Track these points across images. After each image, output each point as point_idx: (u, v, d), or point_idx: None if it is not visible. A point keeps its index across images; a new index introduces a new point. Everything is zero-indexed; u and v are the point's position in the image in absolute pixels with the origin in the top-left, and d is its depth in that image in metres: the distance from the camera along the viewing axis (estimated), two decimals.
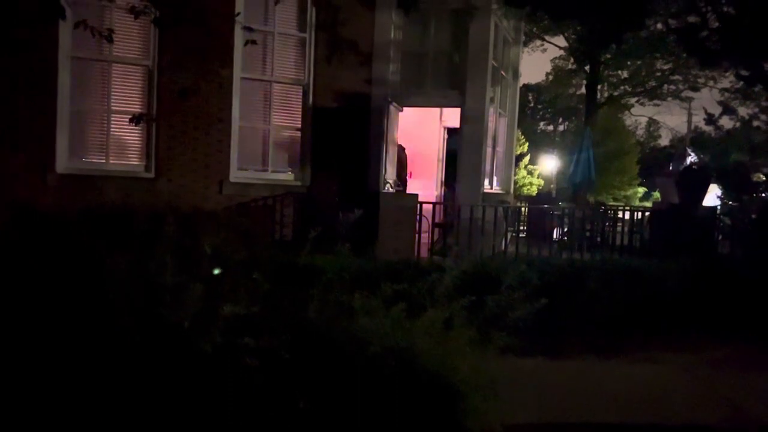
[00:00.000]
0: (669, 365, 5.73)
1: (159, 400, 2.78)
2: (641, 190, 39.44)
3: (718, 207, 10.91)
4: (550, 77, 37.95)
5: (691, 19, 10.66)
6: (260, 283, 3.34)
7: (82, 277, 3.40)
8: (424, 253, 8.11)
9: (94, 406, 2.78)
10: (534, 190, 31.02)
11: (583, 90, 27.87)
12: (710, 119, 16.38)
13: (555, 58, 33.83)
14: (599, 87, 26.36)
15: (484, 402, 3.29)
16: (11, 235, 6.40)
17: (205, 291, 3.03)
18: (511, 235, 9.41)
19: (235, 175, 8.32)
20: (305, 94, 8.73)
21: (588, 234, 9.53)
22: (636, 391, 4.99)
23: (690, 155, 24.79)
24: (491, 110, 9.64)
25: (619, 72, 27.55)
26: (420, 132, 11.75)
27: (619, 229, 9.77)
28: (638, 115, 41.15)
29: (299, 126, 8.76)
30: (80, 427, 2.77)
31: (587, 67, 24.59)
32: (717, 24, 10.00)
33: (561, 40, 25.83)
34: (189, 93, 7.68)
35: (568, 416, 4.40)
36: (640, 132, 45.39)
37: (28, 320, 3.09)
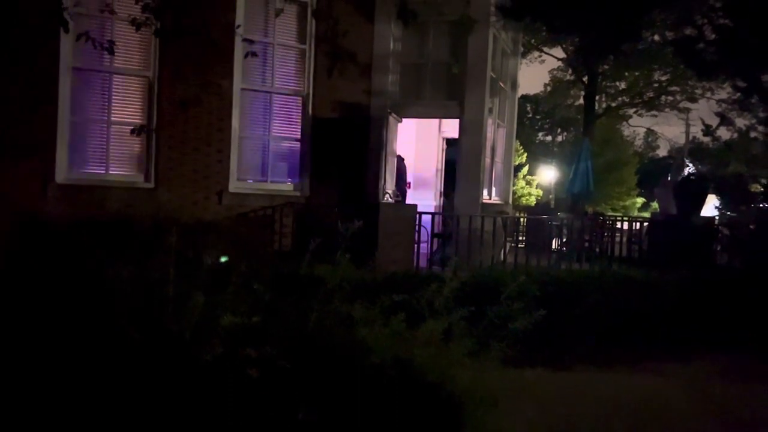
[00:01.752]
0: (669, 376, 5.73)
1: (160, 410, 2.78)
2: (639, 200, 39.57)
3: (716, 217, 10.94)
4: (549, 88, 38.18)
5: (688, 31, 10.73)
6: (261, 294, 3.35)
7: (83, 287, 3.41)
8: (424, 263, 8.12)
9: (95, 416, 2.78)
10: (532, 201, 31.10)
11: (582, 101, 28.01)
12: (708, 130, 16.41)
13: (553, 69, 34.00)
14: (597, 98, 26.50)
15: (484, 413, 3.29)
16: (12, 245, 6.41)
17: (206, 301, 3.04)
18: (510, 246, 9.42)
19: (235, 185, 8.34)
20: (305, 104, 8.77)
21: (587, 244, 9.55)
22: (636, 402, 4.99)
23: (688, 166, 24.84)
24: (490, 121, 9.69)
25: (617, 83, 27.72)
26: (419, 143, 11.81)
27: (617, 239, 9.80)
28: (636, 126, 41.50)
29: (299, 136, 8.79)
30: None
31: (585, 78, 24.74)
32: (713, 36, 10.07)
33: (559, 52, 26.00)
34: (189, 104, 7.74)
35: (569, 428, 4.39)
36: (638, 142, 45.64)
37: (31, 330, 3.09)
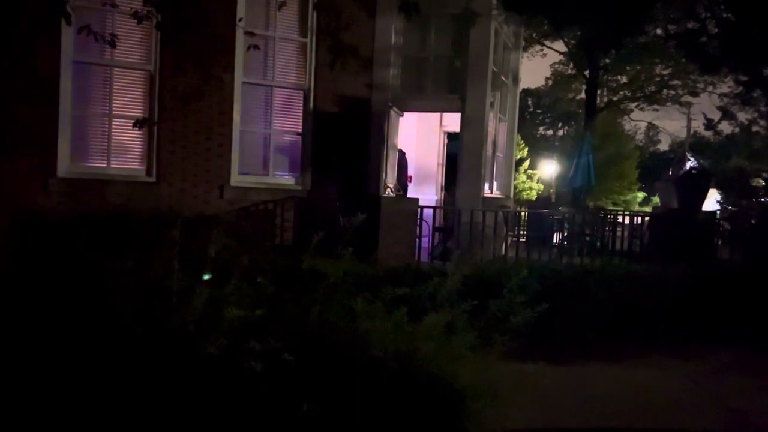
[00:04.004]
0: (670, 370, 5.74)
1: (165, 403, 2.79)
2: (641, 194, 39.54)
3: (718, 212, 10.94)
4: (550, 82, 38.04)
5: (691, 24, 10.71)
6: (264, 287, 3.36)
7: (85, 281, 3.42)
8: (425, 257, 8.13)
9: (100, 410, 2.79)
10: (534, 195, 31.06)
11: (583, 95, 27.94)
12: (709, 124, 16.39)
13: (554, 63, 33.85)
14: (599, 92, 26.44)
15: (486, 406, 3.30)
16: (13, 239, 6.42)
17: (210, 295, 3.05)
18: (511, 240, 9.43)
19: (236, 179, 8.34)
20: (306, 98, 8.76)
21: (588, 239, 9.55)
22: (637, 396, 5.00)
23: (689, 160, 24.82)
24: (491, 115, 9.67)
25: (619, 77, 27.67)
26: (420, 137, 11.80)
27: (618, 233, 9.80)
28: (637, 120, 41.33)
29: (300, 130, 8.79)
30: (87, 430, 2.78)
31: (587, 72, 24.67)
32: (716, 29, 10.05)
33: (561, 45, 25.94)
34: (191, 97, 7.73)
35: (570, 421, 4.41)
36: (639, 137, 45.58)
37: (35, 325, 3.10)
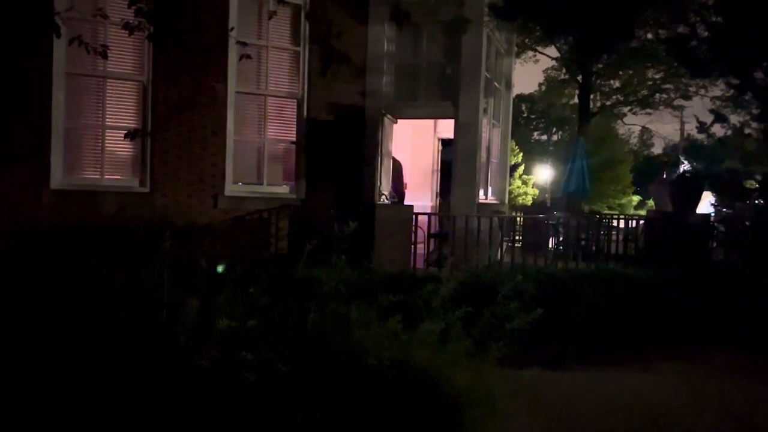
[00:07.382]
0: (666, 374, 5.74)
1: (158, 416, 2.77)
2: (635, 198, 39.69)
3: (712, 214, 10.95)
4: (543, 87, 38.23)
5: (681, 29, 10.78)
6: (257, 297, 3.35)
7: (77, 294, 3.39)
8: (420, 264, 8.12)
9: (93, 423, 2.76)
10: (529, 200, 31.15)
11: (576, 100, 28.03)
12: (702, 127, 16.42)
13: (547, 68, 34.07)
14: (592, 96, 26.51)
15: (482, 414, 3.29)
16: (6, 252, 6.38)
17: (202, 305, 3.04)
18: (507, 245, 9.43)
19: (230, 188, 8.32)
20: (299, 107, 8.76)
21: (583, 243, 9.56)
22: (634, 401, 4.99)
23: (683, 163, 24.89)
24: (485, 121, 9.69)
25: (611, 81, 27.78)
26: (415, 144, 11.82)
27: (613, 237, 9.81)
28: (631, 124, 41.54)
29: (294, 139, 8.79)
30: None
31: (579, 77, 24.74)
32: (706, 34, 10.11)
33: (553, 51, 26.00)
34: (184, 107, 7.72)
35: (567, 428, 4.39)
36: (633, 141, 45.77)
37: (25, 339, 3.08)
